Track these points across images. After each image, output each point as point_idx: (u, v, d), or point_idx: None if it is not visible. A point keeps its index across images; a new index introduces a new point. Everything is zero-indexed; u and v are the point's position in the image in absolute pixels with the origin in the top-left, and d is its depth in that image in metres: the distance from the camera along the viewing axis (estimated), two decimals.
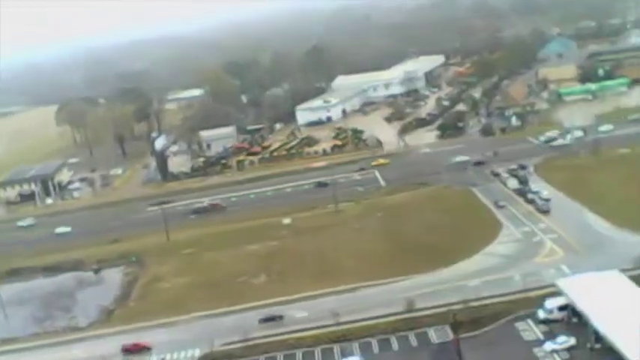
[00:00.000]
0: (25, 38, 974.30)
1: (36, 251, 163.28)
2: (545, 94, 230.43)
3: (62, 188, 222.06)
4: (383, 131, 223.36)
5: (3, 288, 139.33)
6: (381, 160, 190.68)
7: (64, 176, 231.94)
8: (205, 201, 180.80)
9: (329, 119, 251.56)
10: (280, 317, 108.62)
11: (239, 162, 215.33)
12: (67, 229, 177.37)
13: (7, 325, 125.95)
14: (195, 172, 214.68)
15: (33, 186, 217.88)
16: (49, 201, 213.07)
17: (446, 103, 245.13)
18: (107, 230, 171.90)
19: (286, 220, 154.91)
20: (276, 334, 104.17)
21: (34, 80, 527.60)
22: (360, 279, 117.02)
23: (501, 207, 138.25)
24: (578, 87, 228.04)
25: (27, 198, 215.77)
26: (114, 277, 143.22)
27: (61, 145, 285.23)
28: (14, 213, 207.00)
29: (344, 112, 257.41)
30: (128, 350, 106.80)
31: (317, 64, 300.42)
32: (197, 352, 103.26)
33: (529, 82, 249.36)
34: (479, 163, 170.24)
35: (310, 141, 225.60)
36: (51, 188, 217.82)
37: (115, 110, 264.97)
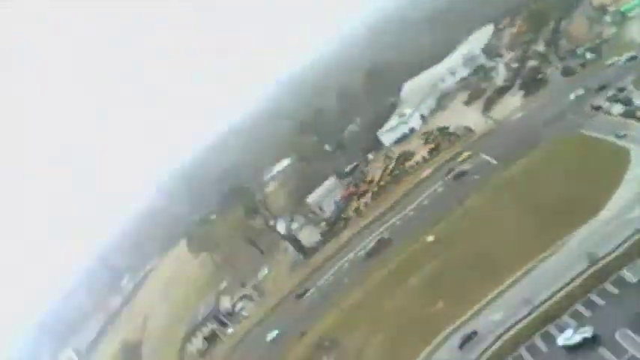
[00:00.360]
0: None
1: None
2: (607, 18, 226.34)
3: (232, 315, 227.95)
4: (467, 117, 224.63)
5: None
6: (465, 154, 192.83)
7: (227, 303, 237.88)
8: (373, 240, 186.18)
9: (412, 130, 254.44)
10: (475, 333, 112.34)
11: (355, 209, 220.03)
12: (275, 332, 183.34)
13: None
14: (326, 236, 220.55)
15: (210, 326, 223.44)
16: (229, 331, 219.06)
17: (515, 65, 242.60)
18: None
19: (430, 238, 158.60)
20: (490, 346, 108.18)
21: (151, 227, 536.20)
22: (527, 260, 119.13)
23: (622, 137, 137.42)
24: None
25: (210, 339, 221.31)
26: None
27: (205, 274, 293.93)
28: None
29: (422, 117, 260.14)
30: None
31: (378, 84, 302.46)
32: None
33: (587, 14, 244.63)
34: (601, 88, 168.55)
35: (407, 155, 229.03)
36: (224, 320, 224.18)
37: (233, 221, 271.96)
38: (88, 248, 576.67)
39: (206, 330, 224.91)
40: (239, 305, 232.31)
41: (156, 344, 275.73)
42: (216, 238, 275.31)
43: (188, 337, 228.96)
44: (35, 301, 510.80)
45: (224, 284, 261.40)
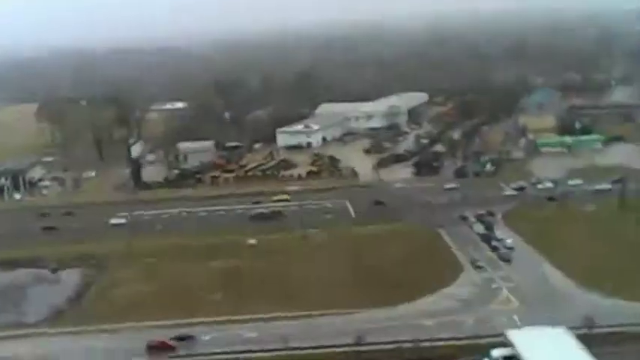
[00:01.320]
0: (15, 30, 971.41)
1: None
2: (522, 143, 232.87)
3: (32, 185, 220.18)
4: (360, 162, 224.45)
5: None
6: (283, 196, 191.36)
7: (36, 173, 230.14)
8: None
9: (309, 145, 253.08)
10: (191, 337, 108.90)
11: (213, 177, 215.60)
12: (122, 220, 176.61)
13: None
14: (168, 183, 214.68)
15: (3, 180, 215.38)
16: (17, 196, 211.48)
17: (425, 141, 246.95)
18: (71, 231, 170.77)
19: (251, 241, 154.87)
20: (224, 353, 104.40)
21: (19, 76, 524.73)
22: (315, 306, 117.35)
23: (479, 267, 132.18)
24: (555, 139, 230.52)
25: None
26: (71, 277, 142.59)
27: (38, 142, 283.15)
28: None
29: (324, 139, 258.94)
30: (152, 347, 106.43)
31: (303, 89, 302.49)
32: None
33: (508, 130, 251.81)
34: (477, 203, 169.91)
35: (287, 164, 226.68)
36: (21, 184, 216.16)
37: (96, 113, 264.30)
38: None
39: None
40: (46, 182, 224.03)
41: None
42: (69, 118, 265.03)
43: None
44: None
45: (50, 159, 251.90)
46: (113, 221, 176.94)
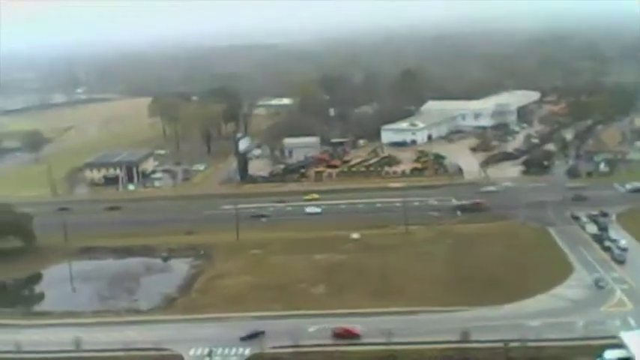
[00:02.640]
0: (126, 29, 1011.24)
1: (109, 233, 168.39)
2: (639, 144, 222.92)
3: (145, 176, 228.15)
4: (466, 160, 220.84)
5: (74, 264, 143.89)
6: (314, 195, 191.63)
7: (149, 165, 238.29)
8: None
9: (413, 142, 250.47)
10: (262, 333, 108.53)
11: (317, 173, 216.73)
12: (318, 209, 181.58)
13: (72, 299, 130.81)
14: (273, 177, 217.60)
15: (118, 170, 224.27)
16: (131, 187, 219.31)
17: (535, 140, 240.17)
18: (182, 222, 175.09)
19: (355, 235, 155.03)
20: (328, 345, 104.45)
21: (132, 70, 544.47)
22: (419, 303, 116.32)
23: (601, 287, 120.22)
24: None
25: (111, 181, 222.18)
26: (181, 267, 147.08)
27: (150, 135, 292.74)
28: (97, 194, 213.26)
29: (429, 137, 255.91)
30: (338, 335, 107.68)
31: (409, 87, 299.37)
32: (247, 351, 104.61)
33: (624, 130, 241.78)
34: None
35: (391, 161, 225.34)
36: (135, 175, 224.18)
37: (206, 108, 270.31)
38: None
39: (112, 172, 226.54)
40: (158, 174, 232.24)
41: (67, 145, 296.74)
42: (180, 113, 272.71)
43: (93, 166, 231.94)
44: None
45: (161, 152, 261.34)
46: (308, 210, 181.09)
